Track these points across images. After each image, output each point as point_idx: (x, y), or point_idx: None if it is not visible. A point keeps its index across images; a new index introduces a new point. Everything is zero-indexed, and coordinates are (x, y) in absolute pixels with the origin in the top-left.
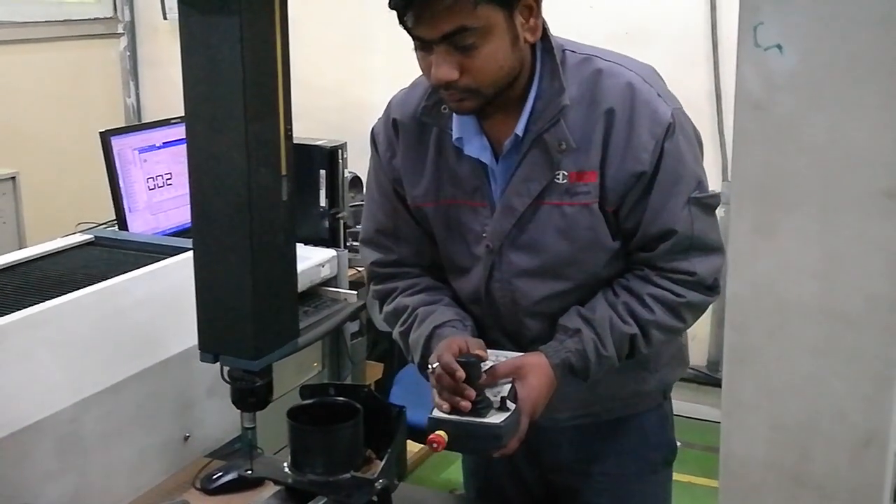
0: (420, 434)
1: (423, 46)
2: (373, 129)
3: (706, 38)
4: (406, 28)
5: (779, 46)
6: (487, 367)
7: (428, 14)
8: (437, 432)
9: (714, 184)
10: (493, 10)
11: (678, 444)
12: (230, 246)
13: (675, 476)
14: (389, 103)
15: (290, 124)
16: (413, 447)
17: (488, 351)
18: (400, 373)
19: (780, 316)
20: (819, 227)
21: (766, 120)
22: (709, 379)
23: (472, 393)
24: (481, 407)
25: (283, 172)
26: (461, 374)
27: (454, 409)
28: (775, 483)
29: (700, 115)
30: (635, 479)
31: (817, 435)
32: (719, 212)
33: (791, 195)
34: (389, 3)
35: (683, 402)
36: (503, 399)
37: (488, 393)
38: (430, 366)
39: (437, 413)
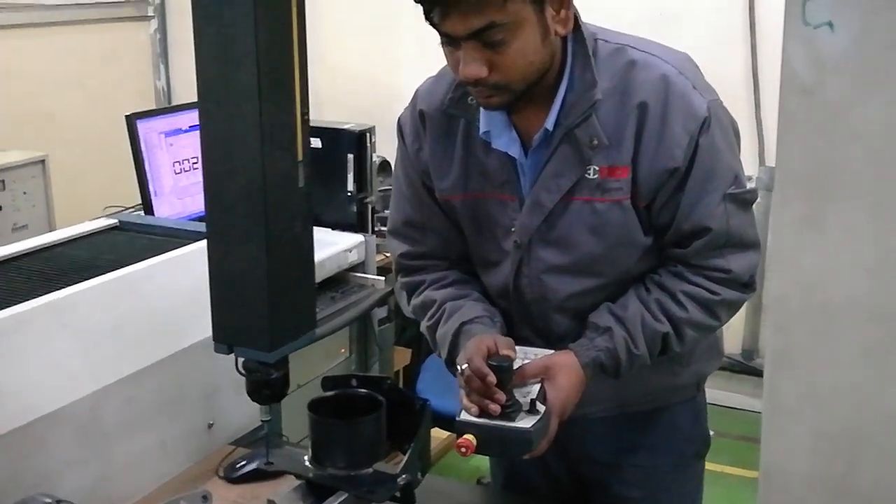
0: (447, 422)
1: (451, 42)
2: (399, 118)
3: (743, 17)
4: (432, 24)
5: (830, 24)
6: (516, 366)
7: (455, 10)
8: (465, 436)
9: (750, 169)
10: (523, 5)
11: (711, 433)
12: (244, 234)
13: (708, 466)
14: (416, 93)
15: (307, 107)
16: (440, 435)
17: (517, 348)
18: (428, 360)
19: (827, 316)
20: (871, 220)
21: (814, 105)
22: (743, 367)
23: (501, 397)
24: (511, 410)
25: (300, 158)
26: (492, 378)
27: (483, 412)
28: (819, 496)
29: (736, 98)
30: (667, 473)
31: (866, 444)
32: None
33: (841, 186)
34: None
35: (717, 391)
36: (532, 401)
37: (517, 393)
38: (458, 367)
39: (465, 416)
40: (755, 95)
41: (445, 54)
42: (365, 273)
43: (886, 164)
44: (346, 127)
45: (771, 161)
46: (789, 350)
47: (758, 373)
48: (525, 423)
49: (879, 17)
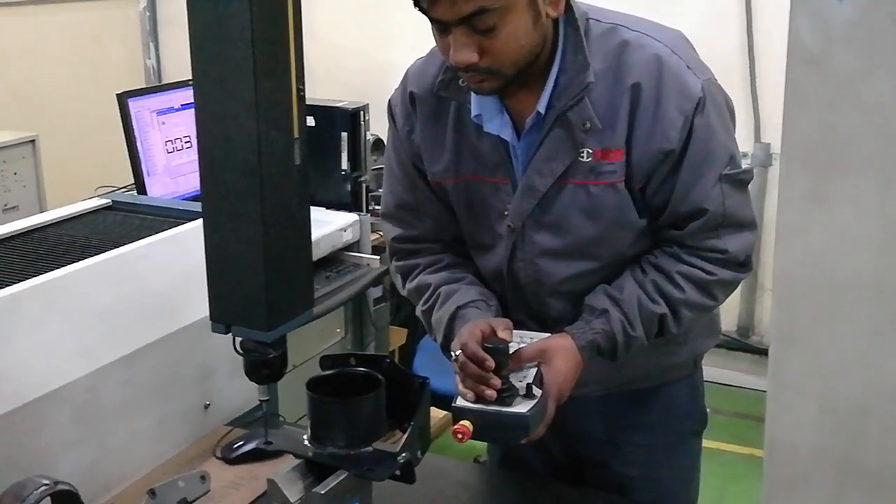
0: (444, 402)
1: (441, 27)
2: (390, 100)
3: None
4: (421, 10)
5: None
6: (512, 350)
7: None
8: (461, 422)
9: (746, 145)
10: None
11: (708, 410)
12: (240, 212)
13: (705, 443)
14: (406, 74)
15: (303, 84)
16: (437, 414)
17: (513, 332)
18: (424, 339)
19: (833, 292)
20: (878, 194)
21: (821, 76)
22: (739, 345)
23: (497, 382)
24: (507, 395)
25: (296, 135)
26: (490, 363)
27: (479, 398)
28: (824, 471)
29: (731, 73)
30: (665, 450)
31: (871, 420)
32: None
33: (848, 159)
34: None
35: (713, 368)
36: (529, 385)
37: (513, 378)
38: (453, 353)
39: (461, 402)
40: (751, 71)
41: (435, 38)
42: (360, 252)
43: (894, 137)
44: (339, 105)
45: (766, 137)
46: (795, 326)
47: (754, 350)
48: (521, 407)
49: None
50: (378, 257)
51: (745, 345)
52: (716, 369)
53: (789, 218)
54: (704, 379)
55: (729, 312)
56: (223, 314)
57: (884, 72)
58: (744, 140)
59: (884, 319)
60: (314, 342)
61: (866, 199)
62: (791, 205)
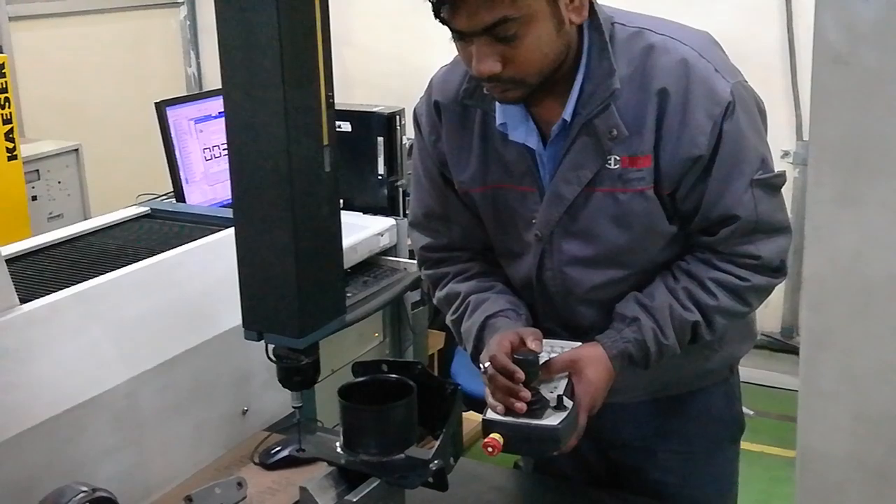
0: (480, 405)
1: (462, 37)
2: (415, 109)
3: None
4: (442, 21)
5: None
6: (542, 360)
7: (464, 6)
8: (492, 435)
9: (788, 143)
10: None
11: (751, 413)
12: (272, 220)
13: (748, 446)
14: (431, 82)
15: (332, 91)
16: (475, 418)
17: (543, 341)
18: None
19: (865, 295)
20: None
21: (848, 75)
22: (782, 346)
23: (527, 394)
24: (537, 407)
25: (325, 142)
26: (520, 375)
27: (509, 410)
28: (859, 480)
29: (772, 70)
30: (701, 457)
31: None
32: (795, 173)
33: (877, 160)
34: None
35: (756, 370)
36: (559, 397)
37: (544, 389)
38: (482, 364)
39: (491, 414)
40: (791, 68)
41: (458, 48)
42: (397, 257)
43: None
44: (375, 110)
45: (809, 136)
46: (826, 330)
47: (798, 351)
48: (552, 420)
49: None
50: (415, 261)
51: (789, 346)
52: (759, 371)
53: (819, 220)
54: (747, 380)
55: (772, 313)
56: (255, 321)
57: None
58: (786, 138)
59: None
60: (353, 347)
61: None
62: (820, 206)
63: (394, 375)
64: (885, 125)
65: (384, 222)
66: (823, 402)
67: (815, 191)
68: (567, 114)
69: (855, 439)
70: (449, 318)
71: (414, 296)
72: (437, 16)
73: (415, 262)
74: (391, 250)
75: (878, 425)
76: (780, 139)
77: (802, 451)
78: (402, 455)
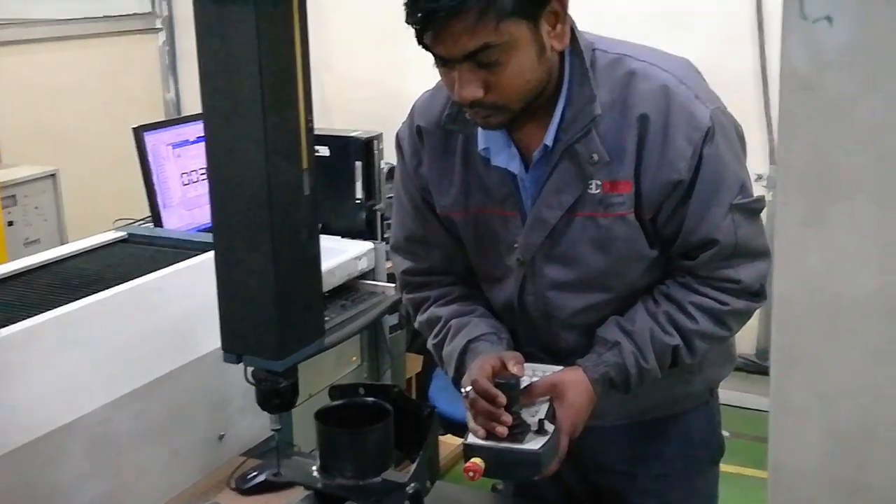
0: (458, 429)
1: (445, 63)
2: (398, 133)
3: (750, 14)
4: (425, 47)
5: (828, 18)
6: (524, 384)
7: (447, 33)
8: (473, 460)
9: (761, 167)
10: (517, 24)
11: (727, 434)
12: (252, 243)
13: (724, 467)
14: (413, 108)
15: (311, 116)
16: (453, 441)
17: (524, 365)
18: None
19: (833, 315)
20: (875, 217)
21: (815, 101)
22: (757, 368)
23: (508, 418)
24: (518, 431)
25: (305, 166)
26: (502, 399)
27: (490, 435)
28: (829, 495)
29: (745, 95)
30: (682, 480)
31: (875, 444)
32: (769, 196)
33: (844, 183)
34: (406, 20)
35: (731, 392)
36: (541, 421)
37: (525, 413)
38: (463, 389)
39: (472, 439)
40: (764, 93)
41: (440, 73)
42: (375, 280)
43: (889, 159)
44: (353, 134)
45: None
46: (795, 349)
47: None
48: (534, 444)
49: (879, 11)
50: (393, 285)
51: (764, 368)
52: (735, 392)
53: (787, 241)
54: (723, 402)
55: (747, 336)
56: (235, 344)
57: (877, 95)
58: (760, 162)
59: (883, 341)
60: (331, 371)
61: (863, 221)
62: (788, 228)
63: (370, 399)
64: (850, 149)
65: (362, 246)
66: (794, 420)
67: (784, 212)
68: (549, 139)
69: (825, 455)
70: (430, 343)
71: (392, 319)
72: (419, 41)
73: (392, 285)
74: (369, 274)
75: (847, 441)
76: (753, 163)
77: (774, 467)
78: (379, 478)
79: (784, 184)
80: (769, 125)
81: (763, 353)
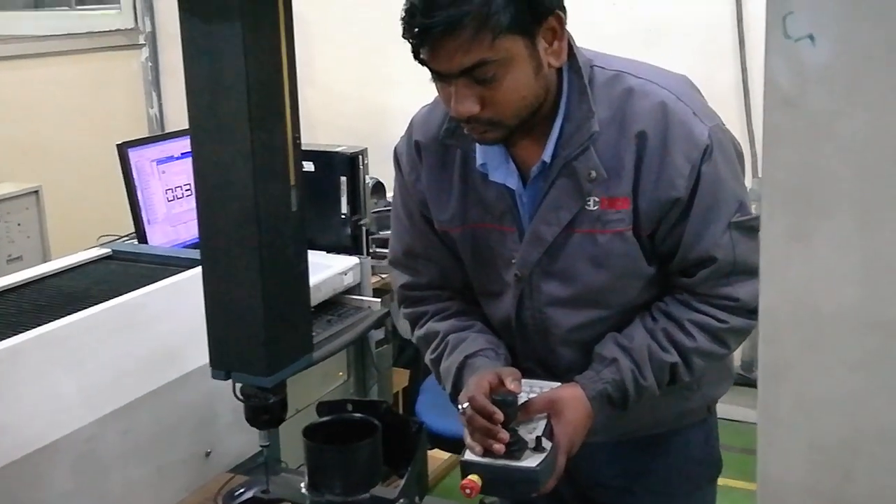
0: (447, 443)
1: (442, 78)
2: (396, 148)
3: (732, 31)
4: (422, 62)
5: (810, 37)
6: (521, 400)
7: (444, 48)
8: (470, 476)
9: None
10: (514, 40)
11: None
12: (239, 259)
13: None
14: (411, 122)
15: (298, 132)
16: (441, 455)
17: (522, 381)
18: (427, 380)
19: (818, 328)
20: (859, 231)
21: (798, 117)
22: (743, 380)
23: (505, 435)
24: (515, 448)
25: (292, 182)
26: (499, 416)
27: (487, 451)
28: None
29: (728, 111)
30: (680, 497)
31: (860, 455)
32: (753, 210)
33: (827, 198)
34: (402, 35)
35: (719, 404)
36: (538, 438)
37: (522, 430)
38: (460, 405)
39: (469, 456)
40: (746, 108)
41: (437, 88)
42: (361, 295)
43: (871, 174)
44: (338, 150)
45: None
46: (780, 362)
47: (756, 384)
48: (531, 461)
49: (860, 30)
50: (379, 300)
51: (750, 380)
52: (723, 405)
53: (772, 255)
54: None
55: None
56: (223, 361)
57: (859, 111)
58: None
59: (868, 353)
60: (316, 386)
61: (846, 235)
62: (773, 242)
63: (358, 414)
64: (832, 164)
65: (348, 261)
66: (780, 432)
67: (768, 227)
68: (547, 155)
69: (811, 467)
70: (428, 357)
71: (378, 334)
72: (416, 57)
73: (378, 300)
74: (355, 289)
75: (833, 453)
76: None
77: (762, 479)
78: (368, 495)
79: (769, 199)
80: (751, 139)
81: (748, 364)
